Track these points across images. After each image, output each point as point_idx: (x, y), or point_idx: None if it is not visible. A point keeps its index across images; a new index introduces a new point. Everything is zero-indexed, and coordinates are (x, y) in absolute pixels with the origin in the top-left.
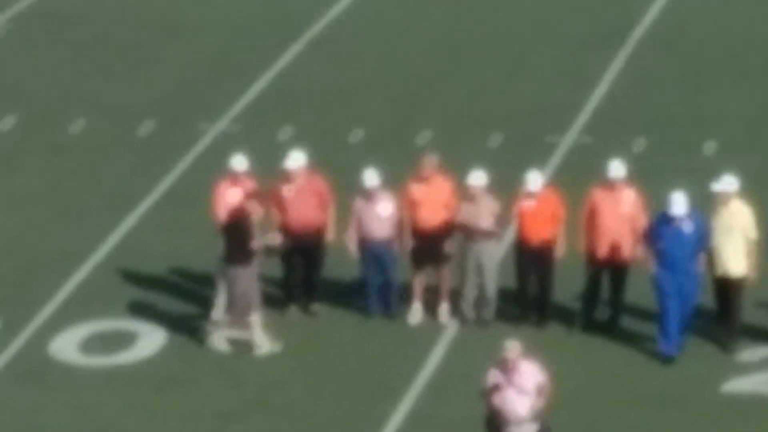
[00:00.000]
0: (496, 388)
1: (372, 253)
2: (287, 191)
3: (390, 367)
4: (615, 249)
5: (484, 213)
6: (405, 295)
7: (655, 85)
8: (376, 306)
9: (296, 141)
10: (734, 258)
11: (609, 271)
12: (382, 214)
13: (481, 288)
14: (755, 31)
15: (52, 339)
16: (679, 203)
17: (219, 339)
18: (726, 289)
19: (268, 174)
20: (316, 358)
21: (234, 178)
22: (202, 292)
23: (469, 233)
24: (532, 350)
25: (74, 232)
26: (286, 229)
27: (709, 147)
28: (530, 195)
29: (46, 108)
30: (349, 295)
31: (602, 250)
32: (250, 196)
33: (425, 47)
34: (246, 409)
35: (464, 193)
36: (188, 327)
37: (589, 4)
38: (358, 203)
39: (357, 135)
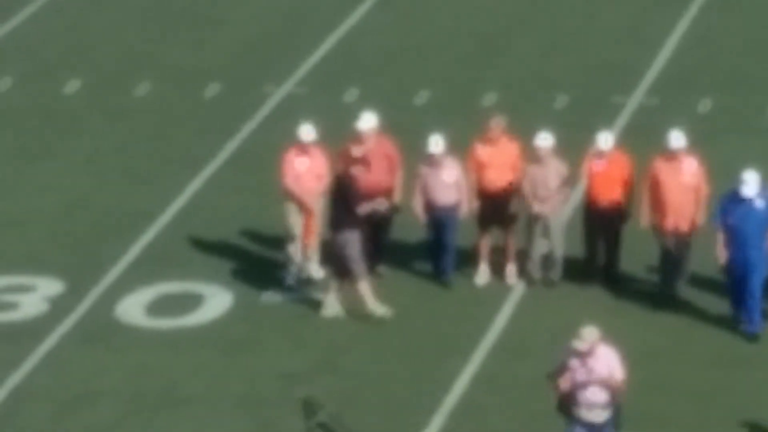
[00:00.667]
0: (563, 370)
1: (438, 217)
2: (357, 152)
3: (457, 328)
4: (679, 219)
5: (551, 174)
6: (464, 260)
7: (721, 45)
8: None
9: (362, 103)
10: None
11: (674, 240)
12: (446, 180)
13: (549, 249)
14: None
15: (119, 301)
16: (750, 184)
17: (331, 303)
18: None
19: (335, 136)
20: (383, 320)
21: (301, 147)
22: (268, 254)
23: (536, 195)
24: (599, 312)
25: (140, 194)
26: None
27: None
28: (601, 154)
29: (111, 71)
30: (416, 258)
31: (668, 221)
32: (355, 161)
33: (491, 7)
34: (312, 370)
35: (531, 155)
36: (254, 289)
37: None
38: (423, 169)
39: (422, 97)
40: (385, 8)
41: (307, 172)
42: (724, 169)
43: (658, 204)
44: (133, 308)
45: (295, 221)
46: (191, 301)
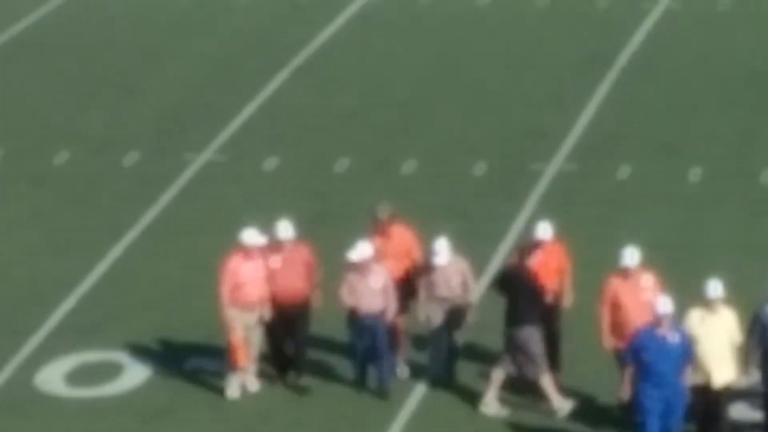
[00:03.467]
0: None
1: (367, 325)
2: (274, 262)
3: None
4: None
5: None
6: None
7: (640, 111)
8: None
9: (281, 171)
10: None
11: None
12: (374, 286)
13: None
14: (737, 58)
15: (39, 370)
16: (663, 302)
17: (492, 401)
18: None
19: (256, 206)
20: (304, 391)
21: (246, 252)
22: (188, 322)
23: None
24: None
25: (61, 262)
26: (272, 300)
27: (695, 173)
28: (539, 245)
29: (30, 139)
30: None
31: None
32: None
33: (412, 74)
34: None
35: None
36: (175, 358)
37: (575, 31)
38: (350, 275)
39: (343, 164)
40: (305, 75)
41: (252, 280)
42: (643, 237)
43: (618, 325)
44: (52, 377)
45: (238, 329)
46: (111, 370)
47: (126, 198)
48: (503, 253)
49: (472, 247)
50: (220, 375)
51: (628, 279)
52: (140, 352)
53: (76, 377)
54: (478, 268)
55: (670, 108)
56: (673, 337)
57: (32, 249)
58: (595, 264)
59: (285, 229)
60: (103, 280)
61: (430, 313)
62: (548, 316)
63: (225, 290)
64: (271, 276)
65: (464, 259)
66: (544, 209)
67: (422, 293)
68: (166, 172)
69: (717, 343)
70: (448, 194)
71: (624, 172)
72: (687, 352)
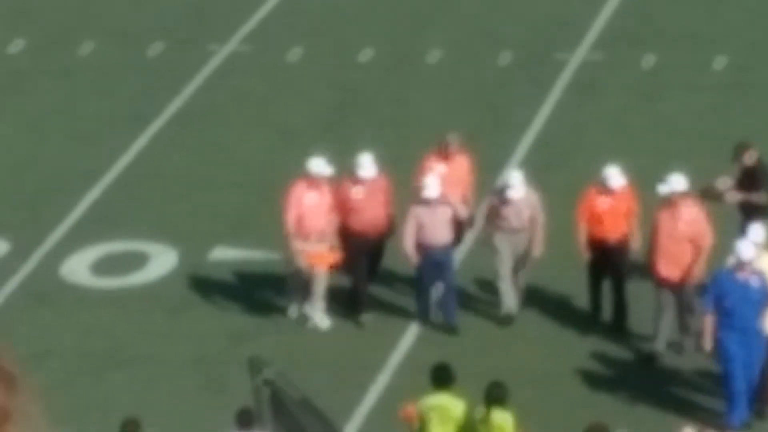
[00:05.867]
0: None
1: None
2: (356, 193)
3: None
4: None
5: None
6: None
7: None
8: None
9: (305, 61)
10: None
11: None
12: (442, 218)
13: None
14: None
15: (64, 261)
16: (746, 247)
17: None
18: None
19: (279, 97)
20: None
21: (311, 181)
22: (214, 212)
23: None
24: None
25: (86, 153)
26: (354, 232)
27: (720, 62)
28: (608, 192)
29: (54, 31)
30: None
31: (665, 270)
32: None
33: None
34: (259, 329)
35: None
36: (200, 247)
37: None
38: (417, 209)
39: (366, 54)
40: None
41: (316, 211)
42: (671, 125)
43: (657, 252)
44: (78, 268)
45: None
46: (137, 260)
47: (150, 89)
48: (527, 144)
49: (496, 137)
50: (245, 264)
51: (669, 207)
52: (166, 242)
53: (102, 267)
54: (502, 159)
55: None
56: (755, 281)
57: (58, 140)
58: (620, 153)
59: (368, 165)
60: (128, 171)
61: (497, 244)
62: (615, 259)
63: (290, 219)
64: (353, 207)
65: (535, 192)
66: (569, 98)
67: (485, 223)
68: (191, 62)
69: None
70: (472, 84)
71: (649, 61)
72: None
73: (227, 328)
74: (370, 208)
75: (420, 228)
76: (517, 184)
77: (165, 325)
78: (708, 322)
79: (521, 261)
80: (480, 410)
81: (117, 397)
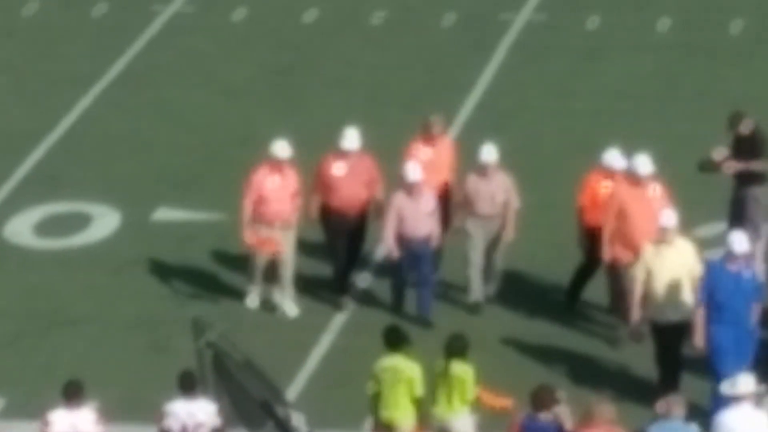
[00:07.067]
0: None
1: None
2: (337, 170)
3: None
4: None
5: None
6: None
7: None
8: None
9: (250, 21)
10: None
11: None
12: (424, 209)
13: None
14: None
15: (7, 221)
16: (739, 239)
17: None
18: None
19: (225, 57)
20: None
21: (273, 164)
22: (158, 173)
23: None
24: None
25: (29, 113)
26: (334, 210)
27: (664, 23)
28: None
29: None
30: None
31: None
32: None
33: None
34: (202, 290)
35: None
36: (143, 209)
37: None
38: (398, 197)
39: (312, 14)
40: None
41: (279, 194)
42: (615, 86)
43: (621, 236)
44: (21, 228)
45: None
46: (80, 221)
47: (94, 49)
48: (472, 103)
49: (441, 97)
50: (188, 225)
51: (636, 187)
52: (109, 203)
53: (45, 228)
54: (448, 119)
55: None
56: (746, 273)
57: (0, 100)
58: (564, 115)
59: (351, 138)
60: (71, 131)
61: (470, 230)
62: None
63: (247, 204)
64: (333, 184)
65: (508, 175)
66: (513, 60)
67: (460, 209)
68: (135, 22)
69: (672, 277)
70: (416, 45)
71: (593, 22)
72: (759, 289)
73: (170, 289)
74: (351, 186)
75: (401, 219)
76: (490, 163)
77: (109, 286)
78: (700, 316)
79: (493, 246)
80: (439, 363)
81: (61, 357)
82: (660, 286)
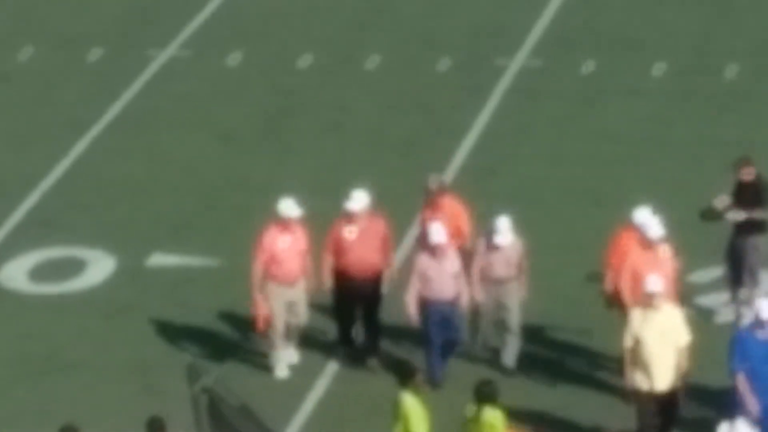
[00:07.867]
0: None
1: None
2: (348, 233)
3: None
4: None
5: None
6: None
7: (604, 5)
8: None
9: (245, 66)
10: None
11: None
12: (450, 270)
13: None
14: None
15: (2, 266)
16: (766, 306)
17: None
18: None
19: (220, 102)
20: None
21: (283, 224)
22: (153, 218)
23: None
24: None
25: (25, 158)
26: (343, 273)
27: (659, 68)
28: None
29: None
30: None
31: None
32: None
33: None
34: (197, 335)
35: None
36: (138, 254)
37: None
38: (423, 259)
39: (306, 60)
40: None
41: (290, 254)
42: (610, 131)
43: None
44: (16, 274)
45: (278, 306)
46: (74, 266)
47: (89, 94)
48: (467, 147)
49: (436, 141)
50: (183, 270)
51: (648, 250)
52: (104, 248)
53: (40, 273)
54: (441, 165)
55: (633, 1)
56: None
57: None
58: (560, 159)
59: (359, 199)
60: (66, 176)
61: (478, 295)
62: None
63: (258, 266)
64: (344, 247)
65: (519, 239)
66: (509, 104)
67: (476, 274)
68: (130, 67)
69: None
70: (411, 89)
71: (588, 67)
72: None
73: (165, 334)
74: (363, 250)
75: (425, 282)
76: (504, 230)
77: (103, 331)
78: (742, 383)
79: (505, 310)
80: (470, 408)
81: (54, 402)
82: (647, 354)
